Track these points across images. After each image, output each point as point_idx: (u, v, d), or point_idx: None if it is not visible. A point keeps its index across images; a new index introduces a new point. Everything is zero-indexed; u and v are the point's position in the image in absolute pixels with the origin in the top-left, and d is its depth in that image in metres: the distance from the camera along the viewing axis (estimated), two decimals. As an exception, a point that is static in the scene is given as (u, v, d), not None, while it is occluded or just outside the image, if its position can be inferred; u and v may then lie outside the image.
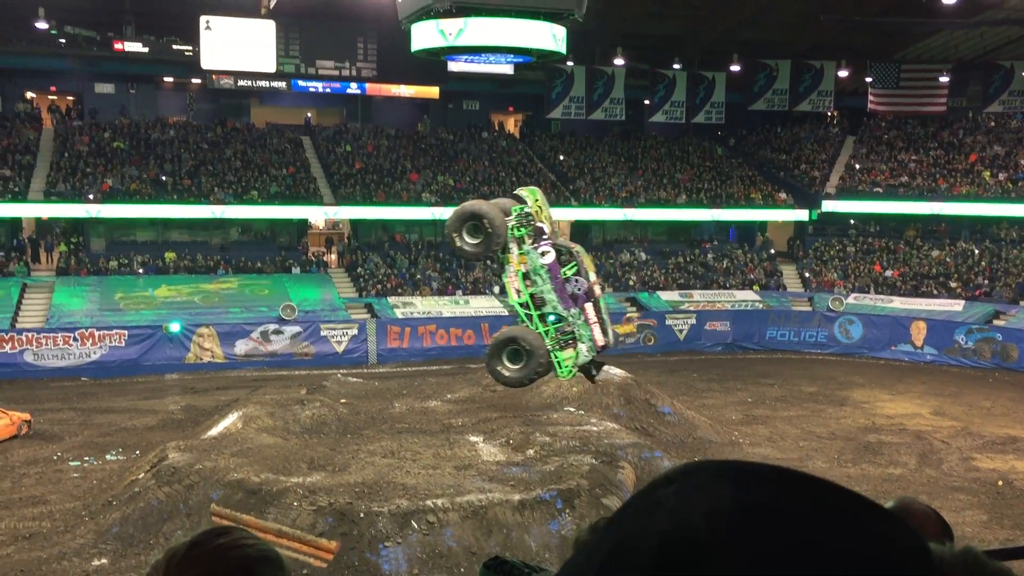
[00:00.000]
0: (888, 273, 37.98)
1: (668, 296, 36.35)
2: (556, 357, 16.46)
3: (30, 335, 28.06)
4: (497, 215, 16.16)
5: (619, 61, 40.47)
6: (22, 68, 38.16)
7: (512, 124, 46.35)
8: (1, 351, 27.46)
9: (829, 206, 39.99)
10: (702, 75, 42.28)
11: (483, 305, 33.56)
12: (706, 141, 45.33)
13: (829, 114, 45.90)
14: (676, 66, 41.86)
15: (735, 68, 42.17)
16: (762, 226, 42.05)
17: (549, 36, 21.00)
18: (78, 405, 25.05)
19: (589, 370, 17.56)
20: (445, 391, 25.02)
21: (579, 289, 16.23)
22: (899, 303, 35.48)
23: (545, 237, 16.19)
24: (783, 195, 41.11)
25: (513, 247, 16.30)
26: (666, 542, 0.71)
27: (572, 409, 22.17)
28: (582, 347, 16.63)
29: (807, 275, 38.96)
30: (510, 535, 14.94)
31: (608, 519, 0.81)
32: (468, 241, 16.21)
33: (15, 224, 34.50)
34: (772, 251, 40.74)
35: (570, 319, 16.27)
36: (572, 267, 16.43)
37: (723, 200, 40.20)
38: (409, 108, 43.47)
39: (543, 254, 15.92)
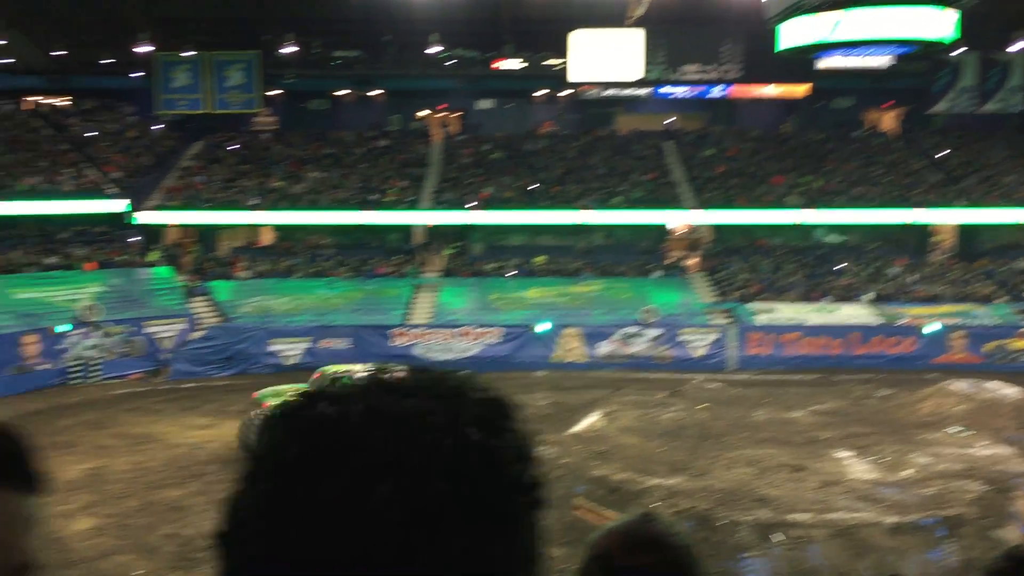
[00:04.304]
0: None
1: (1076, 309, 31.75)
2: None
3: (420, 330, 31.11)
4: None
5: (1018, 46, 36.11)
6: (417, 89, 42.60)
7: (888, 121, 43.22)
8: (396, 344, 30.70)
9: None
10: (1125, 54, 36.51)
11: (852, 313, 31.63)
12: None
13: None
14: (1091, 46, 36.51)
15: None
16: None
17: (938, 23, 19.23)
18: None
19: None
20: (810, 402, 23.91)
21: None
22: None
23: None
24: None
25: None
26: None
27: (956, 429, 20.15)
28: None
29: None
30: (883, 560, 13.89)
31: None
32: None
33: (408, 230, 38.44)
34: None
35: None
36: (344, 380, 19.20)
37: None
38: (774, 109, 42.21)
39: None
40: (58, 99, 43.08)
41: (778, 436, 20.26)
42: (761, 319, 31.63)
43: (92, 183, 35.24)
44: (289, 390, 19.36)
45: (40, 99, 42.74)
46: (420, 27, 36.90)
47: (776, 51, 25.04)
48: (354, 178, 37.57)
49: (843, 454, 18.52)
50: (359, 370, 19.93)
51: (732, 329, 31.04)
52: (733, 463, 17.83)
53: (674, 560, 1.18)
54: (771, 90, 39.60)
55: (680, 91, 39.18)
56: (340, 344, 29.84)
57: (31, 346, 26.87)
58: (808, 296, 33.00)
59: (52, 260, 31.92)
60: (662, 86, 38.74)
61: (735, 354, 30.59)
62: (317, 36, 39.55)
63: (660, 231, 37.84)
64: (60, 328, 27.65)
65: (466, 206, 35.76)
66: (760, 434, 20.48)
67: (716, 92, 39.40)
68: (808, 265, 34.93)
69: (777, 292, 33.26)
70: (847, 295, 32.81)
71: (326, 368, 20.88)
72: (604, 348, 30.76)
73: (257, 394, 19.73)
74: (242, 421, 18.88)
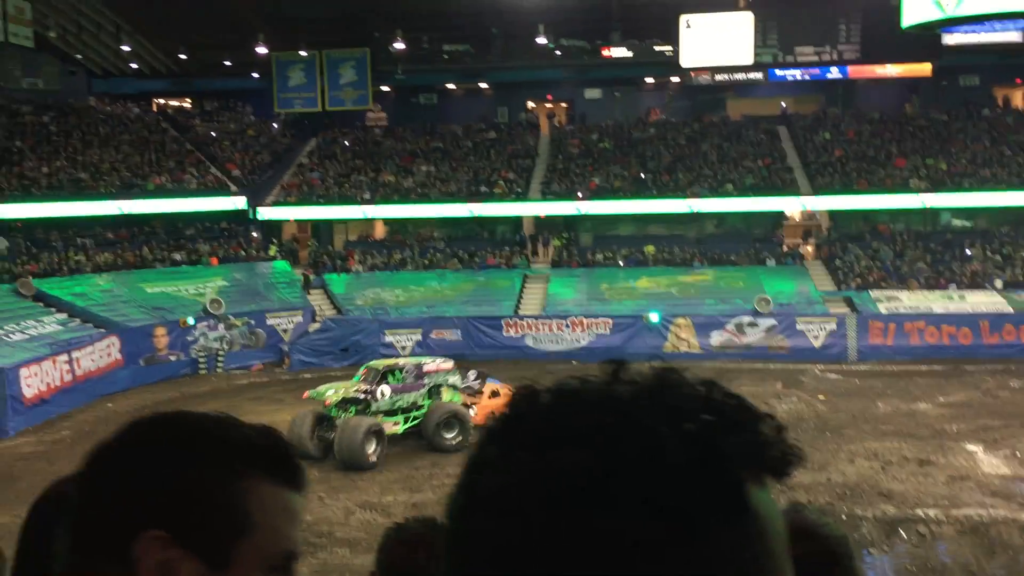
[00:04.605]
0: None
1: None
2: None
3: (530, 321, 31.17)
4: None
5: None
6: (524, 81, 42.67)
7: (1019, 98, 40.94)
8: (507, 335, 30.88)
9: None
10: None
11: (981, 301, 30.16)
12: None
13: None
14: None
15: None
16: None
17: (1073, -10, 18.10)
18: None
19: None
20: (936, 393, 22.95)
21: (410, 377, 19.61)
22: None
23: (367, 390, 18.93)
24: None
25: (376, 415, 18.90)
26: None
27: (1098, 423, 19.01)
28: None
29: None
30: (1017, 559, 13.21)
31: None
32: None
33: (517, 221, 38.57)
34: None
35: (426, 387, 19.90)
36: (396, 373, 19.61)
37: None
38: (895, 89, 40.52)
39: (383, 394, 18.95)
40: (182, 101, 45.01)
41: (902, 429, 19.53)
42: (883, 307, 30.47)
43: (215, 181, 36.66)
44: (343, 387, 19.21)
45: (165, 102, 44.73)
46: (527, 18, 36.90)
47: (902, 28, 23.96)
48: (463, 171, 37.92)
49: (973, 447, 17.71)
50: (406, 364, 20.22)
51: (852, 318, 30.02)
52: (854, 456, 17.29)
53: (827, 550, 1.12)
54: (892, 70, 37.94)
55: (795, 74, 38.02)
56: (451, 335, 30.21)
57: (162, 338, 28.17)
58: (933, 283, 31.61)
59: (179, 256, 33.37)
60: (776, 69, 37.67)
61: (855, 344, 29.58)
62: (426, 31, 40.02)
63: (774, 218, 36.86)
64: (189, 320, 28.90)
65: (575, 196, 35.63)
66: (883, 426, 19.78)
67: (833, 73, 38.07)
68: (933, 251, 33.46)
69: (900, 279, 31.97)
70: (975, 282, 31.28)
71: (372, 363, 20.98)
72: (717, 338, 30.20)
73: (308, 393, 19.21)
74: (292, 419, 18.31)
